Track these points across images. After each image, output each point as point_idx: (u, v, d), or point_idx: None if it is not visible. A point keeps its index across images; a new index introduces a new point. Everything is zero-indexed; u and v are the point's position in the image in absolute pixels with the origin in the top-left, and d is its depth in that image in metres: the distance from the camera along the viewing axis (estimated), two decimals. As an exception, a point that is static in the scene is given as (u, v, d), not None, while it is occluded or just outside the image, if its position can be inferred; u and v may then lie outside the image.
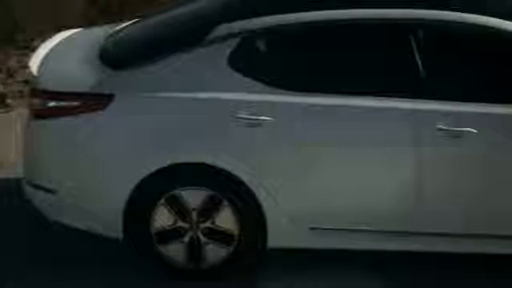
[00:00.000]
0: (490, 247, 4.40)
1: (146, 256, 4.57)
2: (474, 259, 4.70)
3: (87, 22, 8.27)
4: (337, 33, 4.39)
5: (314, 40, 4.39)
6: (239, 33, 4.43)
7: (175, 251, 4.56)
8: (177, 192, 4.46)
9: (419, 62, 4.33)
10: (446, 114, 4.28)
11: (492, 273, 4.60)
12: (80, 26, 7.94)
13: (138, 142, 4.40)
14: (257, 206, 4.46)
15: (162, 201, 4.48)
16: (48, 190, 4.55)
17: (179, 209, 4.49)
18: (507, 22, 4.29)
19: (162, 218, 4.51)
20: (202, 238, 4.53)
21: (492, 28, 4.29)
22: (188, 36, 4.51)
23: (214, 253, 4.54)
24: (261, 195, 4.43)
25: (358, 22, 4.37)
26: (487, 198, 4.31)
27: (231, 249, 4.52)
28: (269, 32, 4.43)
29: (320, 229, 4.47)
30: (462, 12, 4.33)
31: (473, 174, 4.28)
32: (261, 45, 4.44)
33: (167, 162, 4.39)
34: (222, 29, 4.45)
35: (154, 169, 4.40)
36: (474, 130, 4.25)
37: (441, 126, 4.27)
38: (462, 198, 4.33)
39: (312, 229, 4.48)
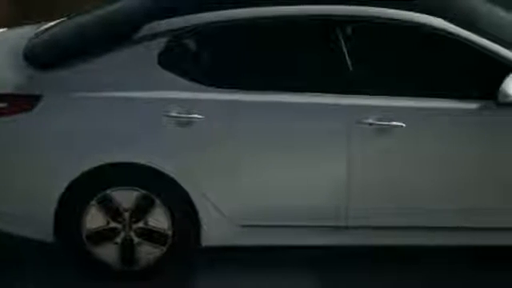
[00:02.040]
0: (423, 239, 4.47)
1: (79, 258, 4.51)
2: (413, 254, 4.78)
3: (11, 23, 8.12)
4: (264, 30, 4.41)
5: (242, 37, 4.40)
6: (168, 31, 4.41)
7: (108, 253, 4.51)
8: (108, 192, 4.42)
9: (348, 58, 4.37)
10: (376, 109, 4.34)
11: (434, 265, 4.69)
12: (4, 27, 7.79)
13: (68, 143, 4.34)
14: (190, 205, 4.44)
15: (94, 202, 4.43)
16: (-25, 194, 4.46)
17: (111, 209, 4.45)
18: (433, 18, 4.38)
19: (94, 219, 4.45)
20: (135, 239, 4.49)
21: (418, 24, 4.37)
22: (117, 35, 4.47)
23: (148, 253, 4.51)
24: (193, 194, 4.41)
25: (285, 18, 4.40)
26: (417, 190, 4.38)
27: (165, 248, 4.50)
28: (197, 30, 4.42)
29: (253, 226, 4.49)
30: (389, 8, 4.40)
31: (403, 168, 4.35)
32: (190, 43, 4.43)
33: (98, 162, 4.34)
34: (151, 27, 4.43)
35: (84, 169, 4.35)
36: (403, 124, 4.32)
37: (370, 121, 4.33)
38: (393, 192, 4.39)
39: (245, 226, 4.49)
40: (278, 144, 4.35)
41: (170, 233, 4.48)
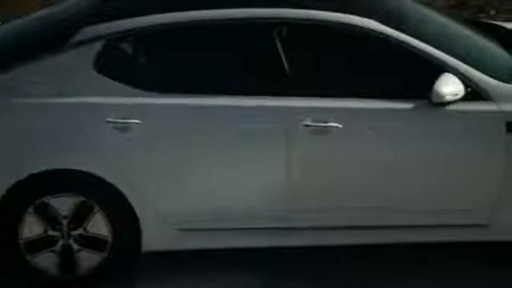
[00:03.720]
0: (366, 238, 4.53)
1: (16, 267, 4.44)
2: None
3: None
4: (202, 33, 4.41)
5: (179, 41, 4.40)
6: (104, 35, 4.38)
7: (47, 261, 4.44)
8: (46, 199, 4.36)
9: (284, 60, 4.41)
10: (312, 111, 4.38)
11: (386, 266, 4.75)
12: None
13: (4, 149, 4.26)
14: (129, 210, 4.42)
15: (31, 209, 4.36)
16: None
17: (49, 217, 4.39)
18: (365, 19, 4.44)
19: (32, 227, 4.39)
20: (75, 246, 4.44)
21: (351, 25, 4.43)
22: (53, 39, 4.42)
23: (88, 260, 4.46)
24: (133, 199, 4.39)
25: (223, 22, 4.41)
26: (356, 190, 4.44)
27: (105, 254, 4.46)
28: (133, 34, 4.39)
29: (194, 230, 4.48)
30: (324, 10, 4.45)
31: (341, 168, 4.41)
32: (126, 47, 4.40)
33: (35, 168, 4.28)
34: (87, 32, 4.39)
35: (21, 176, 4.28)
36: (339, 125, 4.37)
37: (307, 122, 4.37)
38: (333, 192, 4.44)
39: (186, 230, 4.48)
40: (217, 147, 4.36)
41: (110, 239, 4.44)
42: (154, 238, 4.46)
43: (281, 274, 4.61)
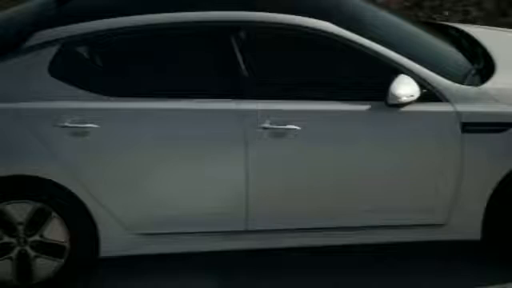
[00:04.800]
0: (325, 239, 4.54)
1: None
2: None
3: None
4: (158, 37, 4.39)
5: (136, 45, 4.38)
6: (58, 40, 4.34)
7: (3, 268, 4.39)
8: (1, 206, 4.30)
9: (242, 63, 4.41)
10: (270, 113, 4.39)
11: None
12: None
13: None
14: (87, 216, 4.38)
15: (-14, 217, 4.31)
16: None
17: (4, 224, 4.33)
18: (322, 22, 4.46)
19: (-13, 234, 4.34)
20: (31, 253, 4.39)
21: (307, 28, 4.44)
22: (6, 44, 4.36)
23: (45, 266, 4.42)
24: (90, 204, 4.35)
25: (179, 25, 4.40)
26: (315, 192, 4.46)
27: (63, 261, 4.42)
28: (87, 38, 4.36)
29: (153, 234, 4.46)
30: (281, 13, 4.46)
31: (300, 170, 4.42)
32: (81, 52, 4.36)
33: (-10, 175, 4.23)
34: (41, 36, 4.34)
35: (-24, 184, 4.23)
36: (298, 127, 4.39)
37: (266, 125, 4.38)
38: (292, 194, 4.45)
39: (145, 235, 4.46)
40: (176, 151, 4.34)
41: (67, 245, 4.40)
42: (113, 243, 4.43)
43: (259, 275, 4.62)
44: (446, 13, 7.61)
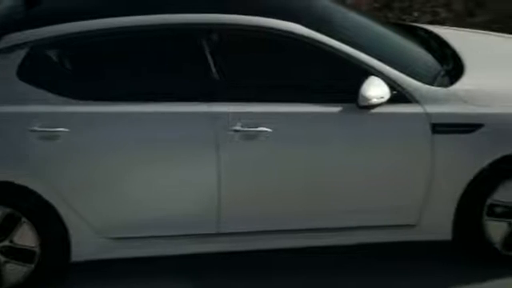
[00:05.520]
0: (296, 241, 4.54)
1: None
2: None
3: None
4: (128, 40, 4.37)
5: (106, 48, 4.35)
6: (28, 42, 4.30)
7: (-27, 274, 4.35)
8: (-30, 212, 4.27)
9: (213, 66, 4.40)
10: (241, 115, 4.38)
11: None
12: None
13: None
14: (58, 220, 4.35)
15: (-45, 222, 4.26)
16: None
17: (-26, 229, 4.29)
18: (291, 24, 4.46)
19: (-44, 240, 4.29)
20: (1, 258, 4.35)
21: (277, 30, 4.43)
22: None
23: (15, 271, 4.38)
24: (61, 209, 4.32)
25: (149, 28, 4.38)
26: (286, 194, 4.45)
27: (33, 266, 4.38)
28: (59, 41, 4.33)
29: (125, 238, 4.44)
30: (252, 15, 4.46)
31: (272, 172, 4.41)
32: (50, 54, 4.33)
33: (-41, 181, 4.19)
34: (9, 39, 4.30)
35: None
36: (269, 130, 4.39)
37: (237, 128, 4.37)
38: (263, 197, 4.45)
39: (116, 239, 4.43)
40: (147, 154, 4.32)
41: (37, 250, 4.36)
42: (84, 247, 4.40)
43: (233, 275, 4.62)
44: (416, 14, 7.65)
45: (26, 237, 4.34)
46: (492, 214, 4.53)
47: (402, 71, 4.50)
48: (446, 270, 4.64)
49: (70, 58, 4.34)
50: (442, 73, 4.70)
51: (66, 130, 4.27)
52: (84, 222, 4.36)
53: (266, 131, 4.38)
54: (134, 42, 4.37)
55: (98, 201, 4.34)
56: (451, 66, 4.79)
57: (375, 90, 4.36)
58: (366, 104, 4.35)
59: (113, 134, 4.30)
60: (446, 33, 5.32)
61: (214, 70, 4.40)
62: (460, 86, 4.55)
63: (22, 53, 4.30)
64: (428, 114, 4.43)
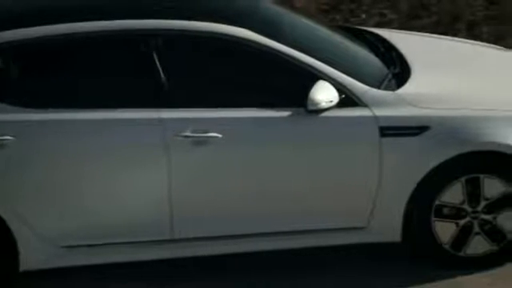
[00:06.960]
0: (249, 246, 4.55)
1: None
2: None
3: None
4: (75, 46, 4.33)
5: (54, 54, 4.31)
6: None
7: None
8: None
9: (161, 72, 4.39)
10: (191, 121, 4.38)
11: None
12: None
13: None
14: (5, 229, 4.29)
15: None
16: None
17: None
18: (239, 29, 4.47)
19: None
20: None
21: (225, 35, 4.43)
22: None
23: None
24: (8, 218, 4.27)
25: (97, 34, 4.35)
26: (238, 198, 4.46)
27: (-20, 276, 4.34)
28: (6, 47, 4.28)
29: (74, 246, 4.40)
30: (199, 21, 4.45)
31: (223, 177, 4.42)
32: (-3, 61, 4.28)
33: None
34: (-46, 47, 4.24)
35: None
36: (220, 135, 4.39)
37: (187, 133, 4.37)
38: (215, 202, 4.45)
39: (66, 247, 4.39)
40: (95, 162, 4.29)
41: (-15, 260, 4.31)
42: (33, 256, 4.35)
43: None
44: (363, 15, 7.72)
45: (-27, 247, 4.29)
46: (440, 215, 4.60)
47: (350, 75, 4.54)
48: (407, 270, 4.67)
49: (17, 64, 4.29)
50: (389, 76, 4.75)
51: (12, 138, 4.22)
52: (32, 231, 4.31)
53: (216, 136, 4.38)
54: (81, 48, 4.33)
55: (46, 209, 4.30)
56: (398, 70, 4.85)
57: (324, 93, 4.39)
58: (314, 108, 4.38)
59: (60, 142, 4.26)
60: (393, 36, 5.38)
61: (162, 76, 4.38)
62: (407, 89, 4.60)
63: (-35, 60, 4.24)
64: (376, 118, 4.47)
